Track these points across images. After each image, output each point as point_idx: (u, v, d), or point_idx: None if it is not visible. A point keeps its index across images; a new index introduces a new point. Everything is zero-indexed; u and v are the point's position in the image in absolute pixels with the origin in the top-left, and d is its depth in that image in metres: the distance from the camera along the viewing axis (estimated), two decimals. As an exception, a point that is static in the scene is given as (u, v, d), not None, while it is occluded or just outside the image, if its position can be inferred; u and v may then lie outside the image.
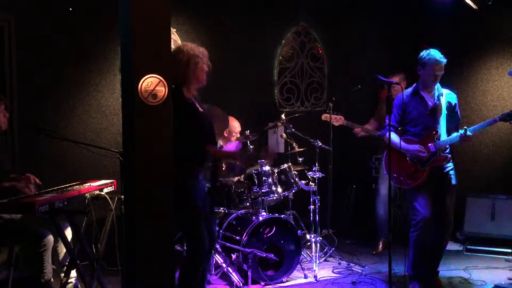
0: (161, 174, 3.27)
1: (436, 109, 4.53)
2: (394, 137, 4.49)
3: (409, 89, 4.66)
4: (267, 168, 5.12)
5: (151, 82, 3.21)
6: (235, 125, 5.57)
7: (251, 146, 5.17)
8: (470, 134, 4.42)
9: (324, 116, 5.62)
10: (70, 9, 5.36)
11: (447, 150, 4.56)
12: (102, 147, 4.47)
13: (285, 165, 5.27)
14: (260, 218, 4.89)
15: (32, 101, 5.18)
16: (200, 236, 3.65)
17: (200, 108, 3.79)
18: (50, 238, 3.98)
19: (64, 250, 4.13)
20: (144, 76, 3.19)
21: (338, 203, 6.47)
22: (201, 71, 3.74)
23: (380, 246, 5.88)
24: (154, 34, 3.23)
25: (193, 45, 3.77)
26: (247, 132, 5.27)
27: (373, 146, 6.23)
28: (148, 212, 3.24)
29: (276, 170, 5.20)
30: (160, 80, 3.23)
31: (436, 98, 4.54)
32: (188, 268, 3.67)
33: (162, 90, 3.24)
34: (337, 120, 5.61)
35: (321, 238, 5.45)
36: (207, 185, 3.92)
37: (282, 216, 5.07)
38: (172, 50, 3.52)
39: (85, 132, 5.47)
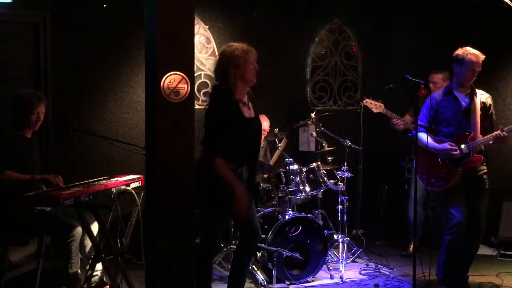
0: (182, 170, 3.29)
1: (470, 109, 4.40)
2: (424, 137, 4.40)
3: (442, 89, 4.55)
4: (295, 166, 5.09)
5: (173, 79, 3.23)
6: (264, 123, 5.56)
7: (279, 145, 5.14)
8: (506, 134, 4.28)
9: (365, 101, 5.48)
10: (105, 5, 5.44)
11: (482, 152, 4.43)
12: (129, 143, 4.52)
13: (314, 164, 5.23)
14: (286, 217, 4.86)
15: (66, 97, 5.29)
16: (214, 234, 3.77)
17: (246, 110, 3.78)
18: (79, 230, 4.05)
19: (91, 243, 4.19)
20: (167, 73, 3.21)
21: (369, 203, 6.39)
22: (244, 70, 3.71)
23: (411, 248, 5.77)
24: (177, 31, 3.25)
25: (238, 45, 3.75)
26: (276, 130, 5.25)
27: (407, 146, 6.11)
28: (169, 207, 3.27)
29: (304, 169, 5.16)
30: (183, 78, 3.25)
31: (470, 98, 4.42)
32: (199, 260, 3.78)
33: (184, 87, 3.26)
34: (377, 107, 5.47)
35: (348, 238, 5.38)
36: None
37: (309, 215, 5.03)
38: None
39: (117, 128, 5.55)
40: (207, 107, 3.76)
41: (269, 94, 6.18)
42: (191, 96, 3.30)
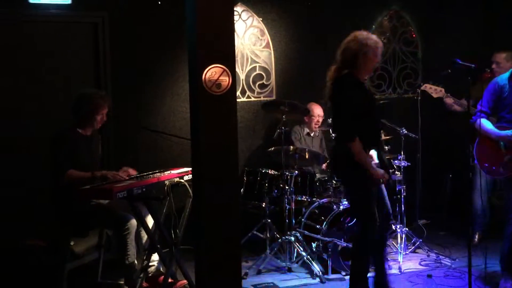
0: (226, 162, 3.32)
1: None
2: (485, 123, 4.23)
3: (506, 73, 4.34)
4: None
5: (215, 72, 3.26)
6: (316, 110, 5.53)
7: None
8: None
9: (424, 86, 5.33)
10: (159, 2, 5.57)
11: None
12: (183, 137, 4.59)
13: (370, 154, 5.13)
14: (341, 207, 4.82)
15: (125, 94, 5.46)
16: (371, 214, 3.88)
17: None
18: (133, 222, 4.18)
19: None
20: (208, 66, 3.25)
21: (430, 192, 6.20)
22: (370, 61, 3.88)
23: (476, 238, 5.57)
24: (217, 24, 3.27)
25: (368, 35, 3.92)
26: (330, 120, 5.19)
27: (472, 132, 5.87)
28: (213, 199, 3.30)
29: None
30: (224, 70, 3.28)
31: None
32: (359, 242, 3.98)
33: (226, 80, 3.28)
34: (437, 92, 5.31)
35: (407, 229, 5.25)
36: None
37: (364, 205, 4.95)
38: (347, 37, 3.92)
39: (174, 122, 5.67)
40: (333, 92, 3.93)
41: (324, 82, 6.12)
42: (233, 89, 3.31)
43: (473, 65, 3.80)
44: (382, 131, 4.93)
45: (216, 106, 3.28)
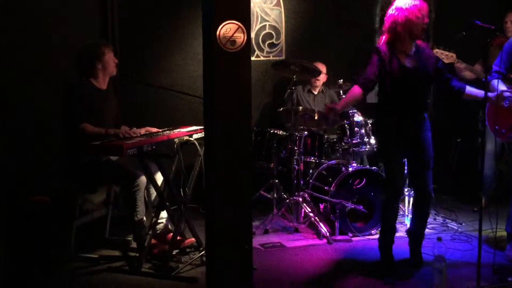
0: (239, 120, 3.27)
1: None
2: (497, 84, 4.16)
3: None
4: (360, 118, 4.98)
5: (229, 28, 3.18)
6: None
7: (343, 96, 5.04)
8: None
9: (435, 51, 5.24)
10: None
11: None
12: (192, 94, 4.55)
13: (380, 116, 5.08)
14: (350, 169, 4.80)
15: (132, 51, 5.38)
16: (388, 174, 4.02)
17: (408, 61, 3.92)
18: (143, 179, 4.17)
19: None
20: (223, 22, 3.17)
21: (439, 157, 6.16)
22: (410, 26, 3.84)
23: (483, 203, 5.56)
24: (233, -21, 3.18)
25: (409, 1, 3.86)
26: (341, 81, 5.13)
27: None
28: (227, 157, 3.27)
29: (370, 121, 5.04)
30: (239, 26, 3.20)
31: None
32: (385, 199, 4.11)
33: (241, 37, 3.21)
34: (448, 57, 5.22)
35: (415, 192, 5.24)
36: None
37: (373, 168, 4.94)
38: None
39: (182, 80, 5.61)
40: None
41: (336, 44, 6.04)
42: (248, 46, 3.24)
43: (493, 27, 3.72)
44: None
45: (230, 64, 3.21)
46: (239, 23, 3.20)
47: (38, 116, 4.80)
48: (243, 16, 3.22)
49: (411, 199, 5.12)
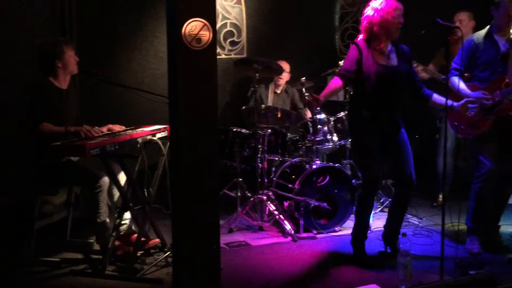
0: (205, 118, 3.25)
1: (509, 54, 4.21)
2: (457, 81, 4.26)
3: (482, 31, 4.33)
4: (322, 116, 5.01)
5: (195, 26, 3.15)
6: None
7: (306, 94, 5.05)
8: None
9: None
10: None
11: None
12: (155, 93, 4.47)
13: (342, 114, 5.14)
14: (314, 167, 4.83)
15: (91, 48, 5.25)
16: (365, 170, 4.16)
17: (383, 59, 3.99)
18: (105, 180, 4.09)
19: (119, 193, 4.23)
20: (188, 19, 3.14)
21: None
22: (386, 25, 3.93)
23: (441, 198, 5.70)
24: (198, -24, 3.14)
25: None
26: (303, 79, 5.15)
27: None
28: (193, 156, 3.24)
29: (332, 119, 5.08)
30: (205, 24, 3.17)
31: (510, 43, 4.22)
32: (361, 196, 4.22)
33: (206, 35, 3.18)
34: None
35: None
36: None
37: (336, 165, 4.98)
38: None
39: (143, 78, 5.53)
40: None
41: (297, 42, 6.06)
42: (214, 44, 3.21)
43: (453, 25, 3.80)
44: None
45: (196, 62, 3.18)
46: (204, 21, 3.17)
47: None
48: (209, 13, 3.20)
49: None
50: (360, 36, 4.08)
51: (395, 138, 4.12)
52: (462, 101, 4.13)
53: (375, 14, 3.93)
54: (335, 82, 4.05)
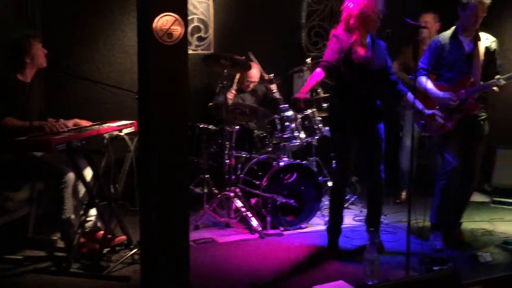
0: (175, 114, 3.21)
1: (473, 54, 4.30)
2: (424, 81, 4.35)
3: (448, 32, 4.41)
4: (290, 113, 5.03)
5: (166, 21, 3.11)
6: (253, 71, 5.43)
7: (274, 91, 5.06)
8: (503, 83, 4.22)
9: None
10: None
11: (482, 99, 4.36)
12: (121, 88, 4.41)
13: (309, 111, 5.16)
14: (281, 164, 4.84)
15: (55, 41, 5.11)
16: (339, 161, 4.30)
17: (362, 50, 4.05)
18: (71, 175, 4.01)
19: (84, 189, 4.15)
20: (159, 14, 3.09)
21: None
22: (365, 18, 3.99)
23: (403, 195, 5.79)
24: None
25: None
26: (271, 75, 5.15)
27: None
28: (162, 153, 3.20)
29: (299, 116, 5.10)
30: (176, 19, 3.13)
31: (474, 43, 4.31)
32: (334, 189, 4.38)
33: (178, 29, 3.14)
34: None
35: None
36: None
37: (303, 162, 5.01)
38: None
39: (109, 72, 5.44)
40: None
41: (263, 40, 6.05)
42: (185, 39, 3.18)
43: (422, 25, 3.86)
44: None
45: (167, 57, 3.14)
46: (176, 16, 3.14)
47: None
48: (181, 8, 3.17)
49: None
50: (339, 28, 4.13)
51: (372, 133, 4.20)
52: (430, 112, 4.22)
53: (355, 6, 3.99)
54: (318, 74, 4.10)
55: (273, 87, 5.17)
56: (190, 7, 5.77)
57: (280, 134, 5.01)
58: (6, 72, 4.05)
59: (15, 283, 3.72)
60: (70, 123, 4.11)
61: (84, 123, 4.21)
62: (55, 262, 4.01)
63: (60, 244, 4.20)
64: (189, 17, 5.78)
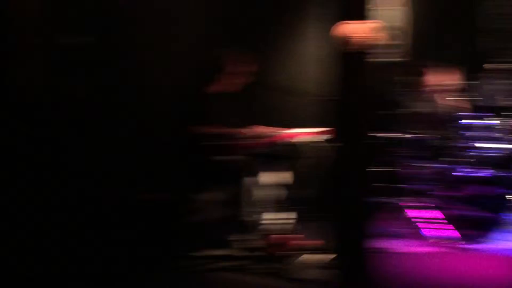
0: (369, 122, 3.25)
1: None
2: None
3: None
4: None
5: (363, 29, 3.14)
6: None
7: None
8: None
9: None
10: None
11: None
12: (322, 96, 4.47)
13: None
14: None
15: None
16: None
17: None
18: (254, 180, 4.23)
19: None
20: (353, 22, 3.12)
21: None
22: None
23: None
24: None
25: None
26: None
27: None
28: (362, 160, 3.22)
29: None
30: (373, 27, 3.17)
31: None
32: None
33: (374, 37, 3.16)
34: None
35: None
36: None
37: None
38: None
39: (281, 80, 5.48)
40: None
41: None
42: (375, 47, 3.22)
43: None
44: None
45: (364, 65, 3.17)
46: (373, 24, 3.15)
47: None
48: (367, 15, 3.17)
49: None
50: None
51: None
52: None
53: None
54: None
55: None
56: (384, 14, 5.66)
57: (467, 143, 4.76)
58: (206, 84, 4.41)
59: (203, 280, 3.85)
60: (255, 131, 4.32)
61: (270, 130, 4.37)
62: (246, 262, 4.08)
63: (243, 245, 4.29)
64: (383, 25, 5.67)
